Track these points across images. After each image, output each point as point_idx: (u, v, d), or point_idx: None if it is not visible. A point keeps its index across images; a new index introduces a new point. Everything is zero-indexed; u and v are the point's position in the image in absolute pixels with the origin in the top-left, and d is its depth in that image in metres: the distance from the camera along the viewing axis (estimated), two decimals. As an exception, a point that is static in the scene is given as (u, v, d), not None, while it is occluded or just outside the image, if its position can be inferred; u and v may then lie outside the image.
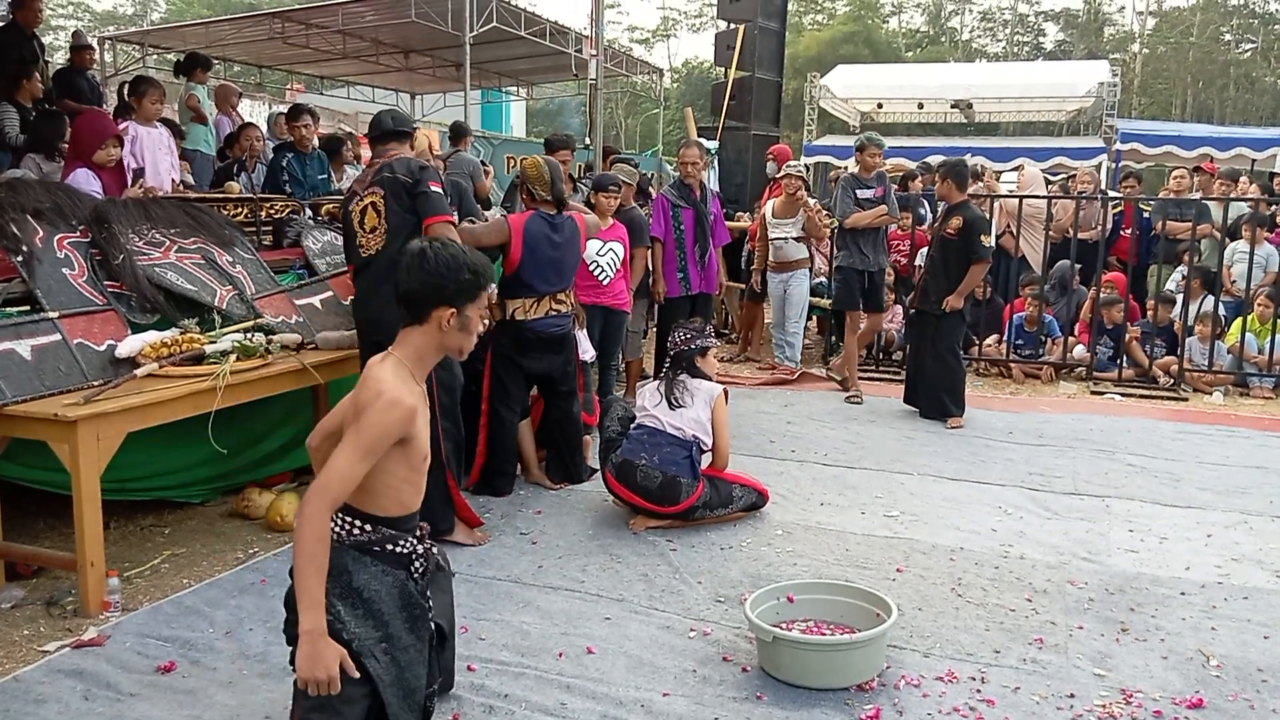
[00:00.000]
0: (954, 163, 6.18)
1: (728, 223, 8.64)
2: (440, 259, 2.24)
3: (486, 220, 5.08)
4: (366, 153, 6.23)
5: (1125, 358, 7.38)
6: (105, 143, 4.62)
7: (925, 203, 8.76)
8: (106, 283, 3.84)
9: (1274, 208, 8.30)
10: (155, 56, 13.44)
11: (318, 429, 2.43)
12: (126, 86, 5.85)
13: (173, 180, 5.53)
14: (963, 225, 5.89)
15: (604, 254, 5.40)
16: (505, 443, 4.48)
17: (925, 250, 8.14)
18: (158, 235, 4.23)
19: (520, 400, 4.50)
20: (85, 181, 4.46)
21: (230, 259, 4.47)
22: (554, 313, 4.43)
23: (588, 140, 9.36)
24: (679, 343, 4.28)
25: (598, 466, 4.42)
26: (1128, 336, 7.36)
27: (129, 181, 4.92)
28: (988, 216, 7.56)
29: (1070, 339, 7.84)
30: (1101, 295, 7.54)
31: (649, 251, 6.09)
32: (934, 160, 15.66)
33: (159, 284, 3.99)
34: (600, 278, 5.36)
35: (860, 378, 7.34)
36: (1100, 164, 15.44)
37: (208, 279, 4.26)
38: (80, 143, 4.65)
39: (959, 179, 6.06)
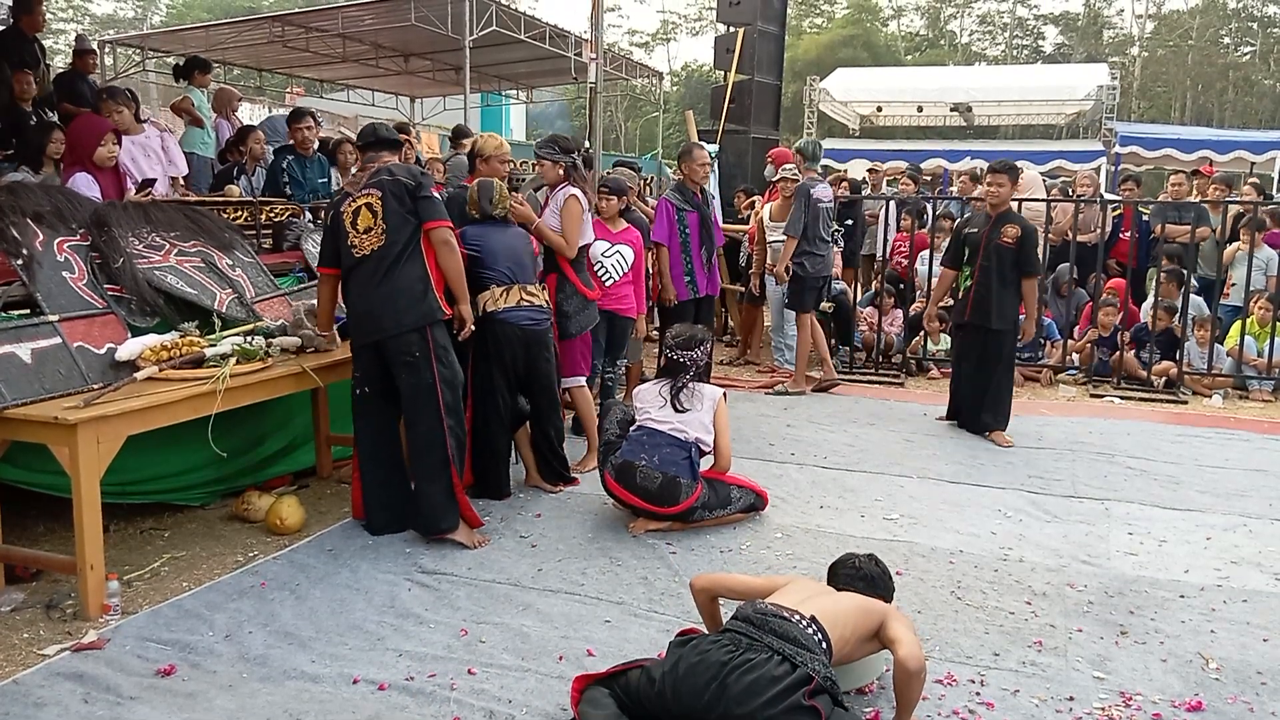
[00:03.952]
0: (1009, 162, 5.81)
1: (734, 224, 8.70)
2: (887, 571, 3.00)
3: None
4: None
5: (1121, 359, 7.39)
6: (104, 139, 4.62)
7: (928, 206, 8.79)
8: (106, 286, 3.84)
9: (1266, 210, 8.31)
10: (155, 60, 13.45)
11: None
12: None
13: (171, 178, 5.52)
14: (1021, 236, 5.57)
15: (609, 255, 5.38)
16: (492, 446, 4.46)
17: (921, 253, 8.17)
18: (158, 239, 4.23)
19: (508, 404, 4.47)
20: (85, 186, 4.46)
21: (230, 262, 4.47)
22: (526, 304, 4.40)
23: (587, 144, 9.37)
24: (695, 360, 4.26)
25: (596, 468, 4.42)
26: (1122, 350, 7.36)
27: (127, 186, 4.92)
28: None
29: (1070, 342, 7.85)
30: (1101, 298, 7.56)
31: (652, 256, 6.07)
32: (929, 164, 15.78)
33: (159, 287, 4.00)
34: (603, 278, 5.35)
35: (859, 380, 7.37)
36: (1099, 167, 15.47)
37: (207, 282, 4.26)
38: (79, 145, 4.65)
39: (1016, 179, 5.78)
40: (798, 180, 6.90)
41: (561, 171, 4.92)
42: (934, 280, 8.07)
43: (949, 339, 7.90)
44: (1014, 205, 8.27)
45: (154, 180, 5.09)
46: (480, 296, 4.31)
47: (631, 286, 5.51)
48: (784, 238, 6.97)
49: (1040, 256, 6.35)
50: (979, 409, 5.77)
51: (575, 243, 4.88)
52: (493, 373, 4.38)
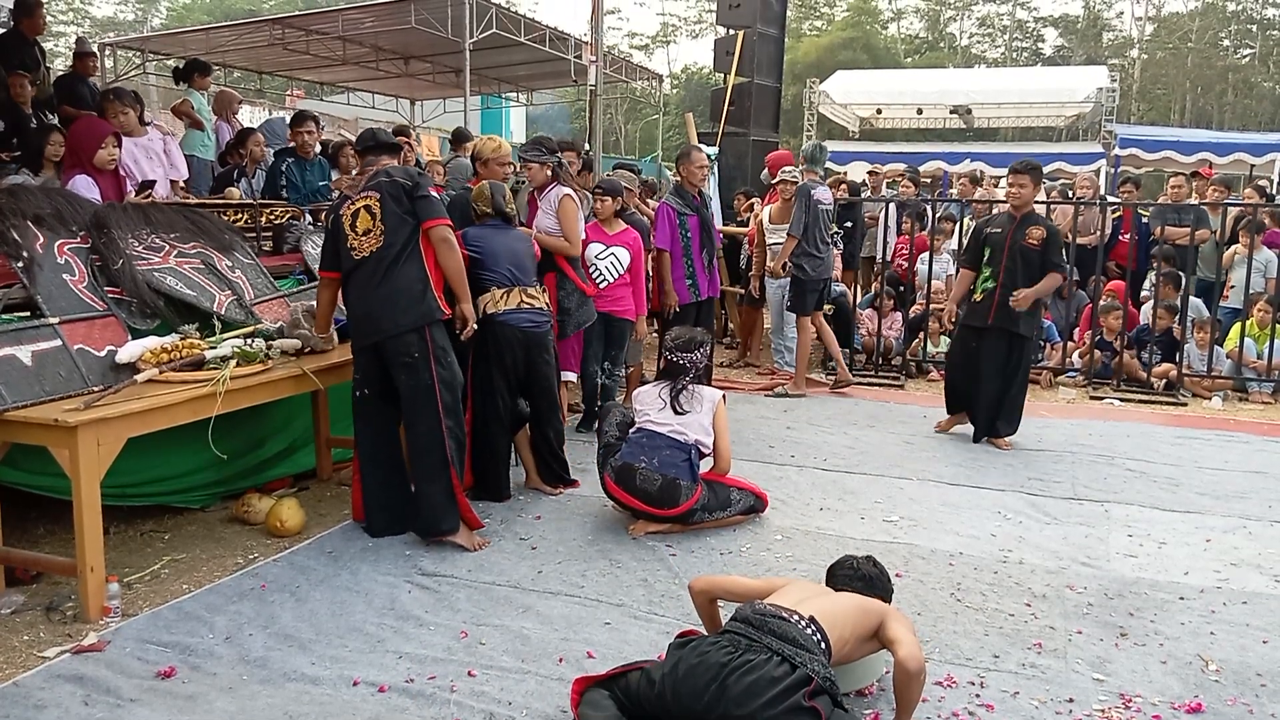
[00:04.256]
0: (1033, 162, 5.62)
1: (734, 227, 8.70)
2: (885, 572, 3.01)
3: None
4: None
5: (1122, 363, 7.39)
6: (105, 142, 4.63)
7: (928, 208, 8.77)
8: (107, 288, 3.84)
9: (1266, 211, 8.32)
10: (155, 63, 13.46)
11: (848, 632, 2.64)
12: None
13: (172, 181, 5.52)
14: (1047, 237, 5.45)
15: (603, 257, 5.37)
16: (491, 448, 4.46)
17: (921, 255, 8.18)
18: (157, 240, 4.24)
19: (508, 406, 4.48)
20: (84, 189, 4.46)
21: (229, 264, 4.47)
22: (527, 306, 4.40)
23: (587, 146, 9.38)
24: (695, 362, 4.26)
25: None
26: (1123, 352, 7.36)
27: (127, 188, 4.92)
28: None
29: (1070, 344, 7.85)
30: (1101, 303, 7.56)
31: (653, 262, 6.07)
32: (929, 166, 15.79)
33: (158, 289, 4.00)
34: (598, 280, 5.36)
35: (858, 383, 7.36)
36: (1099, 169, 15.49)
37: (207, 284, 4.26)
38: (79, 149, 4.65)
39: (1040, 179, 5.65)
40: (798, 182, 6.91)
41: (549, 172, 4.94)
42: (934, 282, 8.10)
43: (947, 340, 7.92)
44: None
45: (153, 182, 5.09)
46: (481, 299, 4.30)
47: (628, 288, 5.51)
48: (783, 240, 6.99)
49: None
50: (995, 415, 5.61)
51: (577, 240, 4.92)
52: (492, 375, 4.38)
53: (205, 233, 4.50)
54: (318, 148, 6.57)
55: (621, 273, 5.43)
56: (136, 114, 5.50)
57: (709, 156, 6.66)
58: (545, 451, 4.66)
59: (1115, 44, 45.15)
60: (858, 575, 2.92)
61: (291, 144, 6.48)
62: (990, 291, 5.55)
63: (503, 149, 4.80)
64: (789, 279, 6.90)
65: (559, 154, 5.06)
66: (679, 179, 6.26)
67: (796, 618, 2.52)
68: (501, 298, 4.35)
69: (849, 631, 2.58)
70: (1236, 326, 7.43)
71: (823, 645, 2.49)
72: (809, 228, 6.74)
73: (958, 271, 8.24)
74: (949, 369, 6.04)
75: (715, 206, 7.87)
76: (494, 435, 4.45)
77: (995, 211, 6.06)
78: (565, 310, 4.94)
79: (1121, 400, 7.00)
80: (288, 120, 7.28)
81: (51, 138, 5.07)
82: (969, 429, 5.78)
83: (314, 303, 4.24)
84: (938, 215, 8.94)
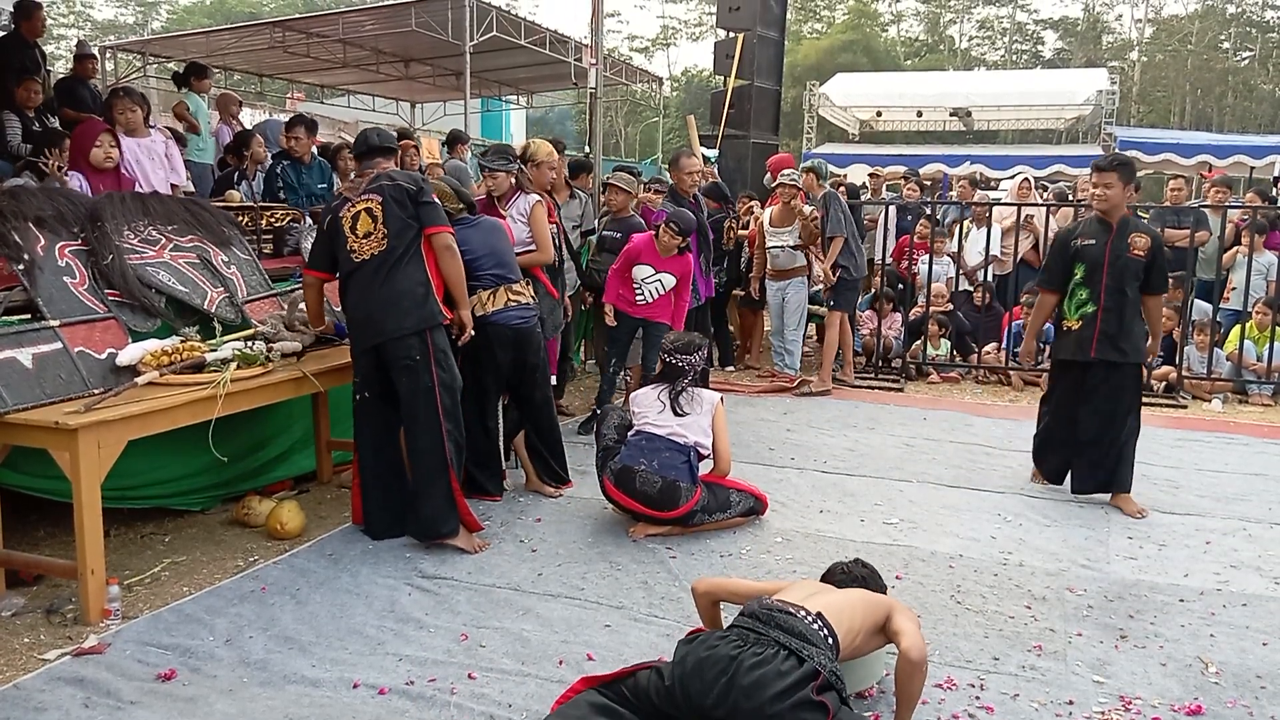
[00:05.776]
0: (1122, 156, 4.66)
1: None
2: (876, 571, 3.04)
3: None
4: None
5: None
6: (99, 140, 4.64)
7: (931, 210, 8.76)
8: (107, 291, 3.84)
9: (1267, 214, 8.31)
10: (156, 66, 13.47)
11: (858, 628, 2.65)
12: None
13: (173, 185, 5.53)
14: (1153, 246, 4.46)
15: (650, 281, 5.50)
16: (479, 443, 4.44)
17: (921, 256, 8.17)
18: (154, 233, 4.22)
19: (495, 403, 4.48)
20: (77, 186, 4.47)
21: (226, 258, 4.46)
22: (513, 304, 4.40)
23: (587, 149, 9.38)
24: (694, 364, 4.27)
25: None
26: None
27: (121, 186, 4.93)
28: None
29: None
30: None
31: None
32: (929, 169, 15.79)
33: (149, 283, 3.98)
34: (638, 300, 5.52)
35: (858, 385, 7.38)
36: (1099, 171, 15.46)
37: (199, 280, 4.24)
38: (77, 149, 4.68)
39: (1130, 176, 4.54)
40: (797, 185, 6.93)
41: (512, 181, 4.94)
42: (934, 284, 8.10)
43: (947, 344, 7.92)
44: (1013, 210, 8.34)
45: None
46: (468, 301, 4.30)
47: (667, 301, 5.63)
48: (783, 243, 7.01)
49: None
50: (1109, 465, 4.57)
51: (549, 246, 4.98)
52: (484, 376, 4.39)
53: (204, 225, 4.47)
54: (315, 150, 6.58)
55: (662, 294, 5.57)
56: (143, 114, 5.51)
57: (709, 159, 6.69)
58: (543, 449, 4.67)
59: (1115, 46, 45.23)
60: (851, 578, 2.93)
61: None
62: (1090, 317, 4.52)
63: (554, 154, 5.01)
64: (835, 280, 7.02)
65: (516, 159, 5.09)
66: (673, 183, 6.33)
67: (803, 613, 2.52)
68: (489, 299, 4.35)
69: (859, 623, 2.59)
70: (1236, 329, 7.43)
71: (830, 640, 2.49)
72: (846, 227, 6.93)
73: (983, 287, 8.25)
74: (1049, 418, 4.86)
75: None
76: (487, 431, 4.45)
77: (1081, 219, 4.98)
78: (539, 318, 4.94)
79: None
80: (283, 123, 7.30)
81: (64, 144, 5.08)
82: (968, 428, 5.77)
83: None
84: (949, 220, 8.93)
